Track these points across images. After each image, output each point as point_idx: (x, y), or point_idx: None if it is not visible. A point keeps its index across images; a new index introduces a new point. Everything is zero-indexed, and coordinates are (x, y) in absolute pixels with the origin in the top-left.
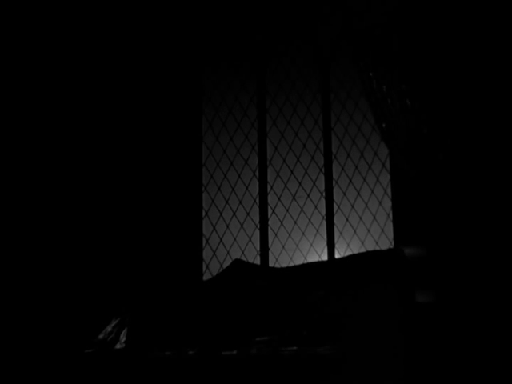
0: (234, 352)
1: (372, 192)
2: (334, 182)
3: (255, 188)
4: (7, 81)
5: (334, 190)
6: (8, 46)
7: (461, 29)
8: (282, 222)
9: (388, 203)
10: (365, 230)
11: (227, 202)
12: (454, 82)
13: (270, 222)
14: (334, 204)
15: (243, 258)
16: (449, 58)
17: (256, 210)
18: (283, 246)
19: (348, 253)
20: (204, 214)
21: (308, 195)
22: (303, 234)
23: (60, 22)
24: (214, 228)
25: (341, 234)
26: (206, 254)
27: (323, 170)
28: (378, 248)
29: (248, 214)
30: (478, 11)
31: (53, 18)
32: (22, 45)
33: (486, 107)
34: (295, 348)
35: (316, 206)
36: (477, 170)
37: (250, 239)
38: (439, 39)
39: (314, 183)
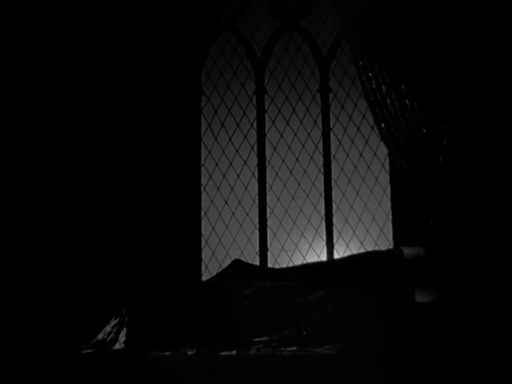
0: (234, 352)
1: (371, 192)
2: (333, 183)
3: (254, 188)
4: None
5: (333, 191)
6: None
7: (460, 28)
8: (281, 223)
9: (387, 203)
10: (364, 231)
11: (226, 202)
12: (453, 81)
13: (269, 223)
14: (333, 204)
15: (242, 258)
16: (448, 58)
17: (255, 211)
18: (282, 247)
19: (347, 253)
20: (203, 214)
21: (307, 195)
22: (302, 234)
23: (55, 21)
24: (213, 228)
25: (340, 234)
26: (206, 254)
27: (322, 170)
28: (377, 248)
29: (247, 214)
30: (478, 11)
31: (48, 17)
32: (19, 44)
33: (485, 107)
34: (295, 348)
35: (315, 207)
36: (476, 170)
37: (249, 239)
38: (439, 39)
39: (313, 183)
